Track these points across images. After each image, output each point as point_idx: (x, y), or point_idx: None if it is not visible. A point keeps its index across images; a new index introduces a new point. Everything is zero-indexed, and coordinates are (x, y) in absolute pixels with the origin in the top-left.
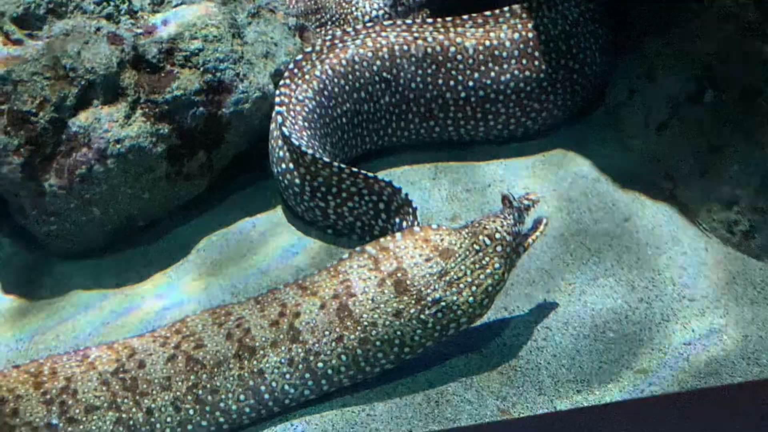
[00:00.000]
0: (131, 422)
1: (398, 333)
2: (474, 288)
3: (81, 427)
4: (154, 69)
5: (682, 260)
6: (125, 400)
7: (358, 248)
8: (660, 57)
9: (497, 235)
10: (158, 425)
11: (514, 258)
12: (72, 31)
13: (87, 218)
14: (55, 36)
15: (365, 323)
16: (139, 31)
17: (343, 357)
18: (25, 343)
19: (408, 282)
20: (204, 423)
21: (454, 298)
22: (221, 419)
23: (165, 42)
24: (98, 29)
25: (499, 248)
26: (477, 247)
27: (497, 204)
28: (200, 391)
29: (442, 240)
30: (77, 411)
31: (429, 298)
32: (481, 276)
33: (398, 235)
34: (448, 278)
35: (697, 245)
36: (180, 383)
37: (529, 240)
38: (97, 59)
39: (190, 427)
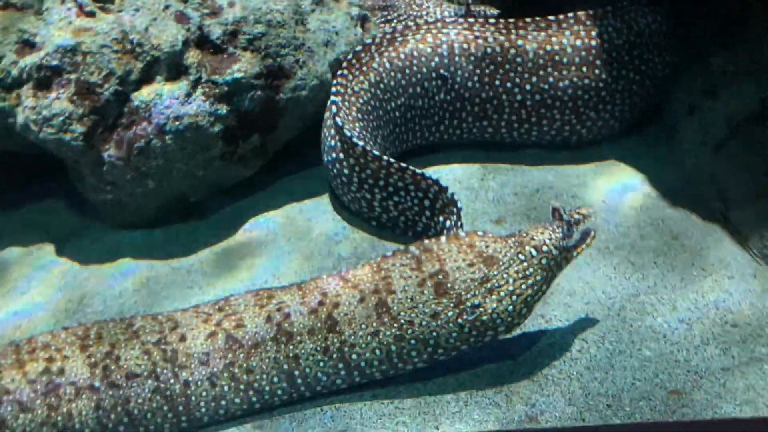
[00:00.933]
0: (168, 392)
1: (434, 334)
2: (514, 297)
3: (121, 392)
4: (217, 50)
5: (728, 285)
6: (164, 371)
7: (402, 247)
8: (724, 74)
9: (544, 248)
10: (193, 398)
11: (557, 270)
12: (142, 6)
13: (141, 190)
14: (126, 11)
15: (402, 321)
16: (206, 11)
17: (377, 351)
18: (74, 305)
19: (448, 285)
20: (237, 400)
21: (494, 305)
22: (254, 398)
23: (230, 24)
24: (167, 7)
25: (544, 261)
26: (522, 257)
27: (544, 210)
28: (236, 370)
29: (487, 247)
30: (119, 376)
31: (468, 303)
32: (523, 286)
33: (443, 237)
34: (489, 285)
35: (746, 271)
36: (217, 360)
37: (574, 252)
38: (163, 36)
39: (223, 402)
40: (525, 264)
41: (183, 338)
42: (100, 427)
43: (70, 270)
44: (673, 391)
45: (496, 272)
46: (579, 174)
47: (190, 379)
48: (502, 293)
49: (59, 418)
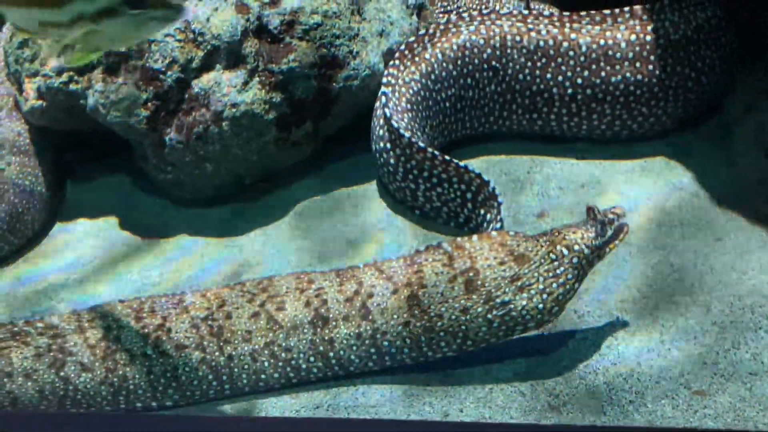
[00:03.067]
0: (213, 364)
1: (463, 328)
2: (545, 295)
3: (171, 360)
4: (274, 39)
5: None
6: (210, 344)
7: (434, 243)
8: None
9: (576, 247)
10: (236, 370)
11: (588, 269)
12: None
13: (200, 172)
14: (189, 0)
15: (432, 314)
16: (265, 1)
17: (407, 340)
18: (133, 276)
19: (479, 282)
20: (276, 375)
21: (524, 302)
22: (291, 374)
23: (287, 14)
24: None
25: (575, 260)
26: (553, 256)
27: (588, 208)
28: (275, 348)
29: (518, 245)
30: (169, 347)
31: (498, 300)
32: (554, 285)
33: (475, 236)
34: (519, 283)
35: None
36: (259, 338)
37: (606, 248)
38: (223, 26)
39: (263, 376)
40: (556, 263)
41: (228, 316)
42: (152, 389)
43: (133, 242)
44: (697, 391)
45: (526, 270)
46: (626, 170)
47: (234, 353)
48: (532, 291)
49: (115, 379)
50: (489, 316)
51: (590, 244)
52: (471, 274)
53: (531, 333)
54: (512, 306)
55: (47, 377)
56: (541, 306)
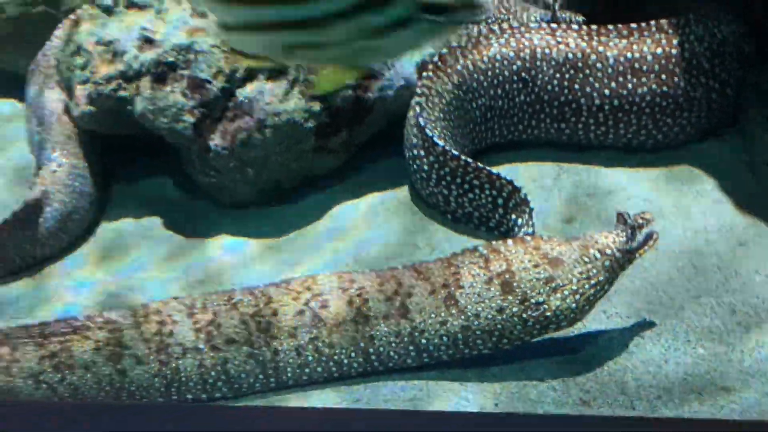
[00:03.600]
0: (260, 358)
1: (498, 326)
2: (577, 296)
3: (221, 354)
4: None
5: None
6: (258, 339)
7: (470, 246)
8: None
9: (607, 251)
10: (281, 364)
11: (620, 271)
12: None
13: (242, 176)
14: None
15: (469, 313)
16: None
17: (444, 338)
18: (178, 273)
19: (515, 284)
20: (319, 369)
21: (557, 303)
22: (333, 368)
23: None
24: None
25: (606, 263)
26: (586, 259)
27: (616, 214)
28: (319, 344)
29: (552, 249)
30: (219, 341)
31: (533, 300)
32: (586, 286)
33: (510, 240)
34: (553, 285)
35: None
36: (304, 334)
37: (637, 254)
38: None
39: (307, 370)
40: (589, 266)
41: (275, 313)
42: (202, 382)
43: (176, 242)
44: (723, 387)
45: (560, 273)
46: (652, 177)
47: (280, 348)
48: (565, 292)
49: (168, 372)
50: (524, 315)
51: (621, 247)
52: (507, 276)
53: (561, 333)
54: (546, 306)
55: (105, 370)
56: (574, 306)
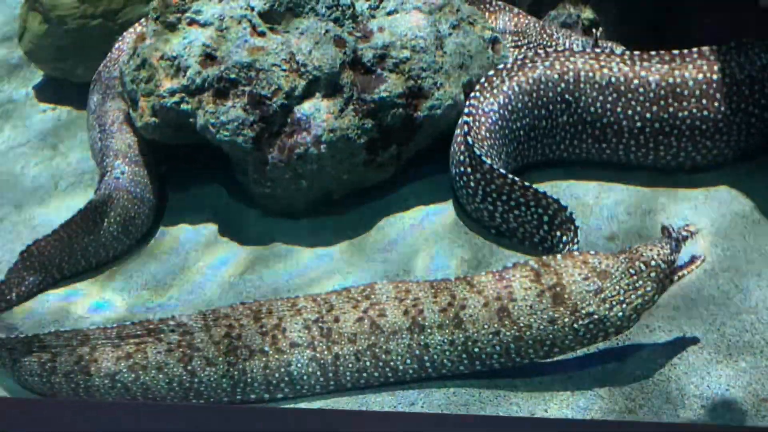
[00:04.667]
0: (322, 361)
1: (550, 336)
2: (625, 306)
3: (285, 356)
4: (367, 71)
5: None
6: (320, 344)
7: (522, 261)
8: None
9: (653, 263)
10: (341, 368)
11: (667, 284)
12: (306, 30)
13: (296, 188)
14: (292, 33)
15: (521, 324)
16: (359, 35)
17: (497, 347)
18: (236, 279)
19: (566, 296)
20: (376, 374)
21: (606, 313)
22: (389, 374)
23: (379, 48)
24: (327, 31)
25: (653, 274)
26: (632, 271)
27: (655, 230)
28: (377, 350)
29: (599, 263)
30: (284, 345)
31: (583, 311)
32: (633, 296)
33: (559, 256)
34: (602, 296)
35: None
36: (363, 340)
37: (684, 272)
38: (324, 59)
39: (365, 374)
40: (635, 277)
41: (337, 319)
42: (266, 383)
43: (232, 248)
44: (764, 399)
45: (608, 284)
46: (690, 198)
47: (340, 353)
48: (614, 302)
49: (236, 373)
50: (575, 325)
51: (666, 259)
52: (558, 288)
53: (608, 345)
54: (596, 316)
55: (176, 370)
56: (621, 314)
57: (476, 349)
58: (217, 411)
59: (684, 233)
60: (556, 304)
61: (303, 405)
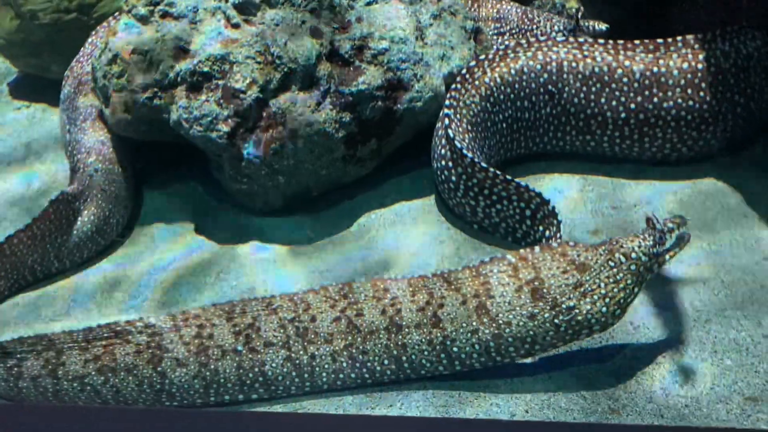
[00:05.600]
0: (297, 362)
1: (531, 333)
2: (607, 299)
3: (258, 356)
4: (345, 63)
5: None
6: (295, 344)
7: (499, 255)
8: None
9: (633, 255)
10: (317, 369)
11: (648, 275)
12: (281, 22)
13: (272, 184)
14: (267, 25)
15: (500, 321)
16: (336, 26)
17: (476, 346)
18: (212, 278)
19: (544, 290)
20: (353, 375)
21: (588, 307)
22: (366, 375)
23: (357, 39)
24: (303, 22)
25: (633, 267)
26: (612, 264)
27: (640, 224)
28: (353, 350)
29: (578, 255)
30: (258, 344)
31: (563, 306)
32: (614, 289)
33: (537, 248)
34: (582, 289)
35: None
36: (339, 340)
37: (666, 256)
38: (300, 50)
39: (341, 375)
40: (615, 270)
41: (313, 319)
42: (240, 383)
43: (208, 247)
44: (749, 397)
45: (588, 277)
46: (676, 190)
47: (316, 353)
48: (595, 296)
49: (207, 373)
50: (556, 321)
51: (647, 251)
52: (536, 283)
53: (590, 343)
54: (577, 311)
55: (146, 372)
56: (604, 309)
57: (455, 349)
58: (190, 416)
59: (670, 225)
60: (535, 299)
61: (278, 408)
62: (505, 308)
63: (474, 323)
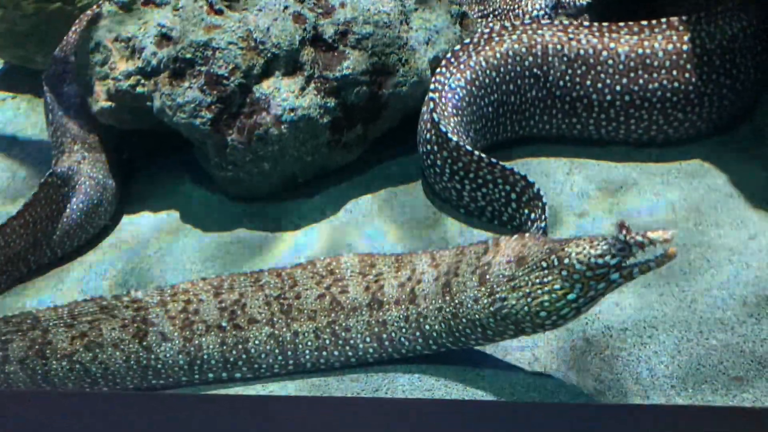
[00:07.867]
0: (280, 339)
1: (477, 317)
2: (530, 299)
3: (242, 333)
4: (329, 48)
5: None
6: (279, 321)
7: (484, 238)
8: None
9: (566, 260)
10: (300, 346)
11: (596, 285)
12: (264, 7)
13: (258, 170)
14: (250, 10)
15: (456, 301)
16: (320, 11)
17: (442, 325)
18: (197, 266)
19: (488, 276)
20: (336, 353)
21: (513, 302)
22: (349, 353)
23: (341, 24)
24: (286, 7)
25: (564, 272)
26: (545, 264)
27: (627, 205)
28: (336, 327)
29: (527, 249)
30: (242, 321)
31: (497, 295)
32: (539, 291)
33: (516, 235)
34: (513, 283)
35: None
36: (323, 317)
37: (635, 269)
38: (282, 36)
39: (324, 353)
40: (545, 271)
41: (298, 296)
42: (224, 359)
43: (195, 236)
44: (735, 377)
45: (521, 273)
46: (663, 172)
47: (299, 330)
48: (520, 293)
49: (192, 348)
50: (492, 308)
51: (585, 260)
52: (485, 268)
53: (575, 324)
54: (507, 303)
55: (132, 347)
56: (527, 308)
57: (427, 327)
58: (176, 399)
59: (639, 238)
60: (480, 283)
61: (265, 392)
62: (460, 288)
63: (439, 301)
